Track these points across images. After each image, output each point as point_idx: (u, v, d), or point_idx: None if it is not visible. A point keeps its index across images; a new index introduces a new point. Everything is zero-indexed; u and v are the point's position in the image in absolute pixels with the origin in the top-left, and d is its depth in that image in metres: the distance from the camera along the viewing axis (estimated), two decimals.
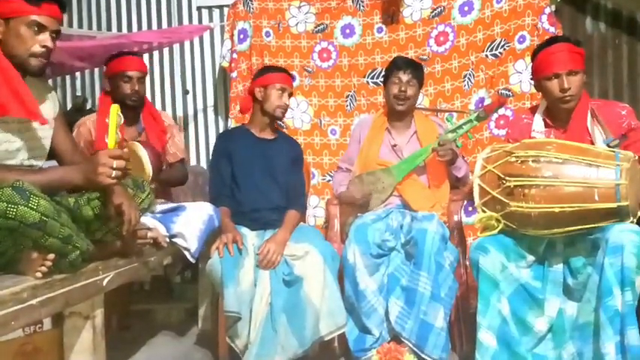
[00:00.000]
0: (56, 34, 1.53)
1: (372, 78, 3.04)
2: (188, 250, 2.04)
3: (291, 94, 2.35)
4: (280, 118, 2.34)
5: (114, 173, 1.37)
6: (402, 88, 2.31)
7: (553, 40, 1.98)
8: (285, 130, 2.97)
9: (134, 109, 2.40)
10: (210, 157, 2.39)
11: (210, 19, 3.55)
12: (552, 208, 1.61)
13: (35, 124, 1.55)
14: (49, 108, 1.65)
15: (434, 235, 2.00)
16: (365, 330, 2.06)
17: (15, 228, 1.26)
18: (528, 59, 2.72)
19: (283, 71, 2.35)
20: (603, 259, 1.56)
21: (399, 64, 2.36)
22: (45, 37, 1.48)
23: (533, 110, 2.05)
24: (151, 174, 2.12)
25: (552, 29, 2.71)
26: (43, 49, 1.49)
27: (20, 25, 1.46)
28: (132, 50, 3.10)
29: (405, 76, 2.32)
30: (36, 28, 1.47)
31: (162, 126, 2.52)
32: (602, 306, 1.55)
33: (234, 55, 3.08)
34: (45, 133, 1.62)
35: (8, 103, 1.43)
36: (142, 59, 2.54)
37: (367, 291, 2.04)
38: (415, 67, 2.37)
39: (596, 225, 1.62)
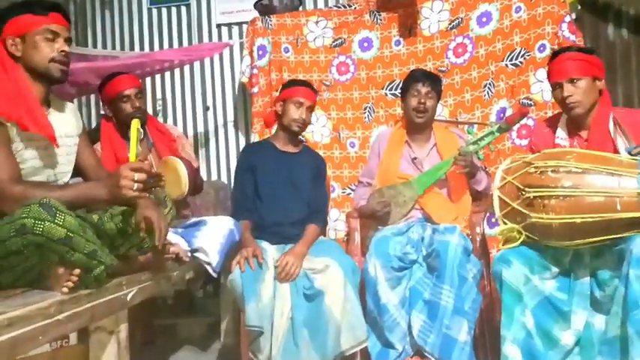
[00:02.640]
0: (69, 42, 1.59)
1: (391, 90, 3.05)
2: (210, 264, 2.06)
3: (311, 108, 2.34)
4: (297, 132, 2.34)
5: (135, 186, 1.39)
6: (422, 101, 2.30)
7: (560, 51, 2.00)
8: (304, 143, 2.99)
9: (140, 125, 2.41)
10: (235, 170, 2.40)
11: (230, 37, 3.62)
12: (573, 218, 1.58)
13: (60, 142, 1.59)
14: (72, 126, 1.69)
15: (456, 248, 1.97)
16: (388, 344, 2.04)
17: (42, 244, 1.29)
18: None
19: (304, 85, 2.36)
20: (628, 271, 1.52)
21: (417, 77, 2.36)
22: (60, 44, 1.55)
23: (555, 119, 2.05)
24: (187, 189, 2.16)
25: (573, 37, 2.68)
26: (62, 54, 1.55)
27: (35, 37, 1.52)
28: (154, 68, 3.18)
29: (423, 89, 2.31)
30: (50, 36, 1.53)
31: (170, 137, 2.54)
32: (629, 320, 1.50)
33: (254, 71, 3.12)
34: (70, 151, 1.66)
35: (28, 119, 1.47)
36: (134, 75, 2.52)
37: (389, 305, 2.02)
38: (433, 80, 2.37)
39: (619, 235, 1.58)
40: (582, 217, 1.57)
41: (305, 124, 2.32)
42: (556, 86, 1.92)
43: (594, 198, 1.58)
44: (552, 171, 1.64)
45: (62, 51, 1.54)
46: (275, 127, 2.43)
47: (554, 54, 1.99)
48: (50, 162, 1.58)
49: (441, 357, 1.93)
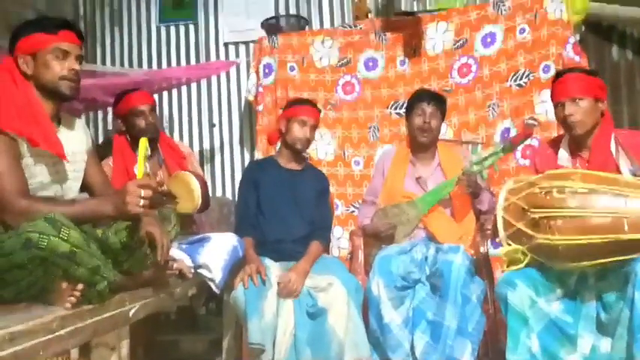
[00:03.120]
0: (80, 59, 1.60)
1: (395, 109, 3.07)
2: (213, 280, 2.06)
3: (315, 127, 2.36)
4: (300, 150, 2.35)
5: (142, 202, 1.40)
6: (426, 120, 2.31)
7: (563, 71, 2.02)
8: (308, 161, 3.00)
9: (152, 141, 2.44)
10: (238, 186, 2.42)
11: (237, 55, 3.66)
12: (580, 239, 1.56)
13: (69, 158, 1.61)
14: (82, 142, 1.71)
15: (460, 268, 1.96)
16: None
17: (46, 258, 1.29)
18: None
19: (308, 104, 2.38)
20: (634, 293, 1.50)
21: (422, 97, 2.37)
22: (71, 62, 1.56)
23: (558, 140, 2.06)
24: (199, 204, 2.17)
25: (577, 58, 2.70)
26: (72, 73, 1.56)
27: (46, 56, 1.54)
28: (161, 86, 3.22)
29: (428, 108, 2.32)
30: (60, 55, 1.55)
31: (180, 154, 2.56)
32: (635, 342, 1.48)
33: (260, 89, 3.16)
34: (77, 167, 1.68)
35: (38, 135, 1.49)
36: (148, 92, 2.57)
37: (392, 324, 2.01)
38: (438, 100, 2.38)
39: (627, 257, 1.56)
40: (589, 238, 1.56)
41: (308, 142, 2.34)
42: (558, 105, 1.93)
43: (601, 219, 1.57)
44: (558, 191, 1.63)
45: (72, 69, 1.56)
46: (279, 144, 2.44)
47: (558, 74, 2.01)
48: (58, 178, 1.60)
49: None
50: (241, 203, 2.32)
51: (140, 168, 1.48)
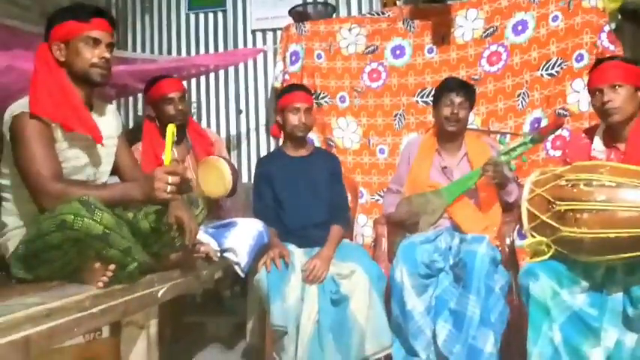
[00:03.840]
0: (111, 47, 1.64)
1: (422, 97, 3.04)
2: (238, 264, 2.10)
3: (309, 110, 2.32)
4: (302, 136, 2.34)
5: (169, 188, 1.44)
6: (454, 111, 2.28)
7: (603, 59, 1.98)
8: (334, 149, 3.01)
9: (181, 127, 2.48)
10: (253, 183, 2.43)
11: (264, 42, 3.68)
12: (607, 233, 1.54)
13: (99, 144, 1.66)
14: (113, 127, 1.76)
15: (483, 258, 1.95)
16: (411, 352, 2.03)
17: (80, 239, 1.34)
18: (587, 78, 2.63)
19: (296, 90, 2.36)
20: None
21: (450, 86, 2.33)
22: (101, 50, 1.60)
23: (592, 130, 2.01)
24: (230, 188, 2.21)
25: (612, 47, 2.62)
26: (102, 60, 1.60)
27: (77, 43, 1.58)
28: (190, 72, 3.27)
29: (457, 98, 2.28)
30: (91, 43, 1.59)
31: (208, 141, 2.60)
32: None
33: (286, 77, 3.17)
34: (109, 151, 1.73)
35: (72, 120, 1.54)
36: (179, 79, 2.61)
37: (414, 312, 2.02)
38: (467, 89, 2.34)
39: None
40: (616, 232, 1.53)
41: (307, 126, 2.32)
42: (596, 92, 1.88)
43: (629, 213, 1.54)
44: (585, 184, 1.60)
45: (102, 57, 1.60)
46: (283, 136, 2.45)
47: (597, 62, 1.97)
48: (91, 161, 1.65)
49: None
50: (258, 200, 2.34)
51: (167, 155, 1.51)
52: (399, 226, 2.34)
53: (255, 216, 2.31)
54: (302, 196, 2.29)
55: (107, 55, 1.61)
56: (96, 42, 1.59)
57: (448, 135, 2.36)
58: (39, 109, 1.49)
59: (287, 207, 2.29)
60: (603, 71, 1.87)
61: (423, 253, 2.07)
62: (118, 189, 1.55)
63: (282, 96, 2.37)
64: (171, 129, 1.54)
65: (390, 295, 2.10)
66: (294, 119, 2.29)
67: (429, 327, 2.02)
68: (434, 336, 2.01)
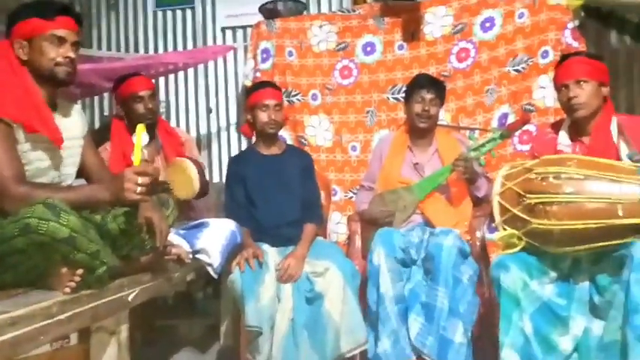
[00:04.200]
0: (76, 46, 1.59)
1: (393, 94, 3.06)
2: (211, 265, 2.07)
3: (279, 106, 2.30)
4: (273, 134, 2.33)
5: (139, 189, 1.41)
6: (425, 108, 2.31)
7: (569, 55, 2.03)
8: (306, 147, 3.00)
9: (150, 127, 2.44)
10: (225, 182, 2.40)
11: (234, 40, 3.64)
12: (575, 224, 1.58)
13: (64, 144, 1.60)
14: (78, 128, 1.71)
15: (450, 250, 1.98)
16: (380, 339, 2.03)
17: (46, 243, 1.30)
18: (552, 74, 2.69)
19: (264, 87, 2.34)
20: (629, 276, 1.52)
21: (421, 83, 2.36)
22: (66, 49, 1.55)
23: (557, 125, 2.06)
24: (197, 189, 2.17)
25: (576, 44, 2.69)
26: (67, 60, 1.55)
27: (41, 42, 1.52)
28: (158, 71, 3.21)
29: (428, 95, 2.31)
30: (56, 41, 1.54)
31: (178, 141, 2.56)
32: (628, 325, 1.51)
33: (257, 74, 3.14)
34: (74, 152, 1.68)
35: (36, 120, 1.49)
36: (148, 78, 2.57)
37: (386, 296, 2.01)
38: (438, 86, 2.37)
39: (620, 241, 1.58)
40: (584, 223, 1.58)
41: (277, 123, 2.30)
42: (562, 87, 1.92)
43: (596, 204, 1.59)
44: (554, 177, 1.64)
45: (67, 57, 1.55)
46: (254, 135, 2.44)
47: (563, 57, 2.01)
48: (55, 164, 1.60)
49: (439, 359, 1.94)
50: (230, 198, 2.31)
51: (137, 155, 1.47)
52: (373, 223, 2.35)
53: (227, 215, 2.29)
54: (275, 194, 2.27)
55: (72, 54, 1.56)
56: (61, 40, 1.54)
57: (419, 131, 2.38)
58: (1, 110, 1.44)
59: (260, 206, 2.27)
60: (569, 67, 1.91)
61: (399, 238, 2.09)
62: (85, 191, 1.50)
63: (250, 94, 2.35)
64: (140, 129, 1.51)
65: (364, 291, 2.11)
66: (263, 116, 2.27)
67: (395, 316, 2.01)
68: (407, 330, 2.02)
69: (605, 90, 1.92)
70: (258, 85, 2.42)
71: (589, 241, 1.61)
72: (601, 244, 1.60)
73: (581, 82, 1.88)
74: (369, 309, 2.07)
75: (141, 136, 1.50)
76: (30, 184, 1.47)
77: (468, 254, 2.08)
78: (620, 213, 1.56)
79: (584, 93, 1.87)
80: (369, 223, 2.38)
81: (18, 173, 1.44)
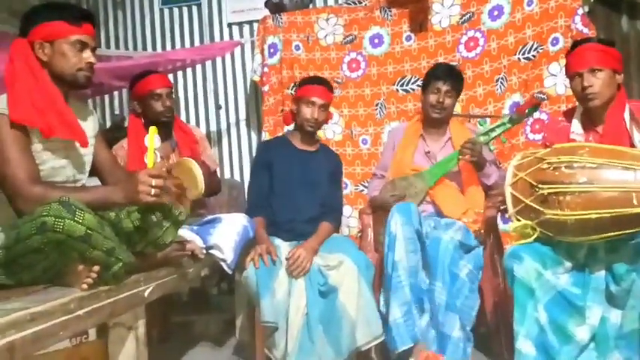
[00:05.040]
0: (95, 51, 1.62)
1: (402, 85, 3.04)
2: (224, 261, 2.08)
3: (325, 107, 2.29)
4: (310, 132, 2.32)
5: (153, 191, 1.43)
6: (440, 99, 2.29)
7: (580, 41, 1.97)
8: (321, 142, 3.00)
9: (167, 125, 2.46)
10: (251, 165, 2.41)
11: (241, 35, 3.64)
12: (589, 214, 1.55)
13: (77, 143, 1.62)
14: (90, 128, 1.72)
15: (448, 244, 1.97)
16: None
17: (62, 241, 1.31)
18: (563, 61, 2.66)
19: (317, 83, 2.31)
20: None
21: (438, 74, 2.33)
22: (88, 54, 1.58)
23: (570, 113, 2.03)
24: (203, 189, 2.18)
25: (586, 30, 2.66)
26: (88, 65, 1.58)
27: (64, 45, 1.54)
28: (166, 68, 3.22)
29: (444, 87, 2.29)
30: (79, 46, 1.56)
31: (193, 139, 2.57)
32: None
33: (265, 69, 3.14)
34: (87, 151, 1.69)
35: (55, 125, 1.50)
36: (166, 75, 2.59)
37: (399, 265, 1.98)
38: (455, 78, 2.34)
39: (636, 230, 1.56)
40: (598, 213, 1.55)
41: (317, 123, 2.30)
42: (575, 76, 1.88)
43: (610, 193, 1.56)
44: (566, 167, 1.61)
45: (89, 62, 1.57)
46: (293, 124, 2.43)
47: (574, 44, 1.95)
48: (68, 163, 1.61)
49: (439, 352, 1.94)
50: (254, 183, 2.32)
51: (150, 157, 1.48)
52: (383, 209, 2.34)
53: (247, 198, 2.30)
54: (297, 189, 2.26)
55: (93, 59, 1.59)
56: (83, 46, 1.56)
57: (433, 121, 2.37)
58: (19, 115, 1.45)
59: (280, 197, 2.27)
60: (582, 55, 1.87)
61: (416, 210, 2.08)
62: (100, 192, 1.51)
63: (301, 86, 2.33)
64: (153, 131, 1.51)
65: (378, 284, 2.11)
66: (306, 112, 2.26)
67: (409, 288, 1.98)
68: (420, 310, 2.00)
69: (619, 77, 1.88)
70: (311, 80, 2.37)
71: (603, 231, 1.58)
72: (615, 233, 1.57)
73: (596, 71, 1.83)
74: (385, 277, 2.05)
75: (154, 138, 1.50)
76: (44, 184, 1.49)
77: (472, 247, 2.06)
78: (635, 201, 1.52)
79: (599, 82, 1.83)
80: (381, 209, 2.37)
81: (33, 174, 1.46)
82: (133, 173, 1.49)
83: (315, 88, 2.28)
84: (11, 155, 1.43)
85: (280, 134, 2.73)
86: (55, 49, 1.54)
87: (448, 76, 2.32)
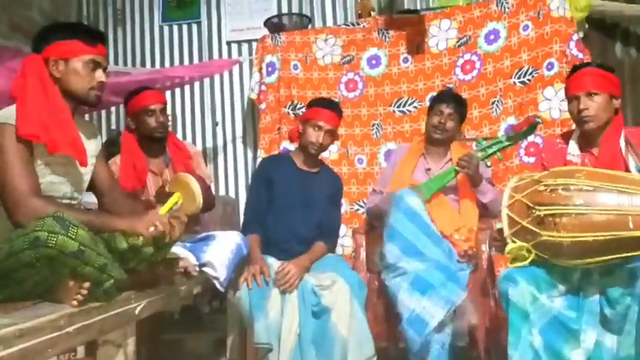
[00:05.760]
0: (105, 70, 1.65)
1: (399, 107, 3.07)
2: (217, 279, 2.06)
3: (331, 132, 2.27)
4: (313, 155, 2.30)
5: (152, 229, 1.49)
6: (442, 121, 2.37)
7: (580, 65, 2.01)
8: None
9: (160, 140, 2.46)
10: (251, 180, 2.41)
11: (240, 54, 3.67)
12: (585, 236, 1.56)
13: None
14: (93, 147, 1.73)
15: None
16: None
17: (55, 256, 1.30)
18: (557, 86, 2.70)
19: (326, 107, 2.28)
20: None
21: (442, 97, 2.45)
22: (100, 74, 1.61)
23: (567, 135, 2.05)
24: (201, 205, 2.17)
25: (581, 55, 2.70)
26: (100, 84, 1.61)
27: (78, 64, 1.56)
28: (164, 85, 3.23)
29: (447, 109, 2.38)
30: (92, 66, 1.58)
31: (187, 154, 2.57)
32: None
33: (263, 88, 3.16)
34: (86, 170, 1.70)
35: (59, 141, 1.51)
36: (160, 91, 2.60)
37: (391, 253, 2.07)
38: (458, 103, 2.44)
39: (631, 254, 1.56)
40: (594, 236, 1.55)
41: (322, 147, 2.28)
42: (573, 99, 1.91)
43: (606, 216, 1.56)
44: (563, 189, 1.62)
45: (101, 81, 1.60)
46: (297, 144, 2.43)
47: (575, 68, 2.00)
48: (68, 179, 1.61)
49: None
50: (252, 198, 2.31)
51: (165, 207, 1.58)
52: (381, 220, 2.33)
53: (245, 212, 2.31)
54: (295, 209, 2.25)
55: (105, 79, 1.62)
56: (96, 65, 1.60)
57: (434, 141, 2.43)
58: (26, 130, 1.46)
59: (276, 215, 2.25)
60: (580, 79, 1.90)
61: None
62: (101, 217, 1.54)
63: (310, 108, 2.32)
64: (176, 198, 1.64)
65: (371, 303, 2.10)
66: (312, 135, 2.24)
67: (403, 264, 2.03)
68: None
69: (617, 102, 1.90)
70: (322, 103, 2.32)
71: (599, 254, 1.59)
72: (611, 256, 1.58)
73: (593, 95, 1.86)
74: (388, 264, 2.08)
75: (176, 202, 1.61)
76: (46, 198, 1.49)
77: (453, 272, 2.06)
78: (631, 225, 1.53)
79: (595, 105, 1.86)
80: (378, 219, 2.37)
81: (34, 187, 1.46)
82: (145, 212, 1.58)
83: (325, 112, 2.25)
84: (15, 166, 1.44)
85: (282, 152, 2.73)
86: (69, 67, 1.56)
87: (451, 100, 2.41)
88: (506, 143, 2.23)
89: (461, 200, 2.33)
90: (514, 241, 1.73)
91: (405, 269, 1.99)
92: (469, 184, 2.29)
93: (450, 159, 2.41)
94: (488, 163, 2.28)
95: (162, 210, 1.56)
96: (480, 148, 2.25)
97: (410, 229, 2.08)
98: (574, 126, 2.02)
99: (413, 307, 1.92)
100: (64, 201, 1.60)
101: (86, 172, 1.69)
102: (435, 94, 2.70)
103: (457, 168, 2.24)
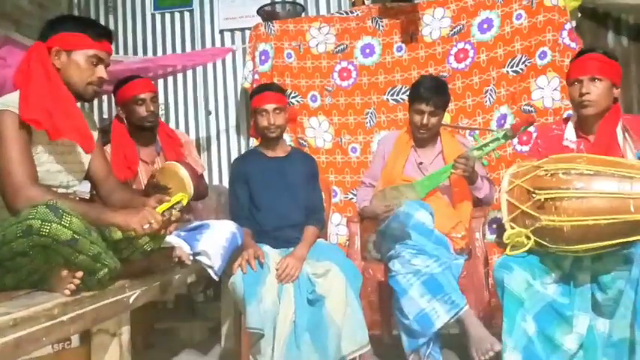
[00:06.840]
0: (106, 67, 1.65)
1: (392, 95, 3.07)
2: (212, 267, 2.06)
3: (279, 109, 2.25)
4: (274, 138, 2.29)
5: (146, 226, 1.47)
6: (424, 121, 2.27)
7: (586, 50, 2.01)
8: (306, 148, 3.01)
9: (151, 129, 2.45)
10: (228, 182, 2.41)
11: (233, 42, 3.64)
12: (586, 220, 1.55)
13: (78, 149, 1.61)
14: (95, 137, 1.72)
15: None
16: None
17: (48, 245, 1.29)
18: (550, 75, 2.71)
19: (265, 90, 2.30)
20: (639, 275, 1.51)
21: (421, 94, 2.26)
22: (101, 70, 1.61)
23: (562, 122, 2.05)
24: (192, 193, 2.17)
25: (573, 45, 2.71)
26: (99, 80, 1.61)
27: (81, 58, 1.57)
28: (157, 73, 3.21)
29: (427, 108, 2.25)
30: (94, 61, 1.59)
31: (178, 142, 2.56)
32: (638, 323, 1.50)
33: (256, 76, 3.14)
34: (85, 158, 1.69)
35: (63, 127, 1.51)
36: (150, 80, 2.58)
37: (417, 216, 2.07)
38: (438, 95, 2.27)
39: (631, 239, 1.55)
40: (595, 219, 1.54)
41: (278, 127, 2.26)
42: (575, 82, 1.91)
43: (607, 200, 1.55)
44: (563, 173, 1.62)
45: (100, 77, 1.60)
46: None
47: (580, 52, 1.99)
48: (65, 168, 1.61)
49: None
50: (234, 199, 2.31)
51: (164, 207, 1.55)
52: (373, 219, 2.34)
53: (231, 215, 2.29)
54: (277, 196, 2.26)
55: (105, 75, 1.62)
56: (99, 61, 1.60)
57: (421, 139, 2.38)
58: (29, 115, 1.45)
59: (262, 207, 2.26)
60: (584, 63, 1.90)
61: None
62: (96, 209, 1.53)
63: (252, 97, 2.34)
64: (179, 197, 1.60)
65: (365, 292, 2.11)
66: (262, 121, 2.26)
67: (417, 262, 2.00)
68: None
69: (616, 91, 1.91)
70: (258, 89, 2.37)
71: (600, 239, 1.57)
72: (612, 241, 1.56)
73: (595, 80, 1.87)
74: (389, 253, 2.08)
75: (178, 201, 1.58)
76: (43, 187, 1.48)
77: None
78: (632, 209, 1.52)
79: (597, 91, 1.86)
80: (371, 219, 2.37)
81: (32, 175, 1.46)
82: (141, 206, 1.54)
83: (264, 95, 2.26)
84: (13, 153, 1.43)
85: (252, 147, 2.72)
86: (71, 59, 1.57)
87: (431, 95, 2.25)
88: (503, 141, 2.20)
89: (456, 197, 2.32)
90: (513, 227, 1.71)
91: (419, 268, 1.99)
92: (464, 180, 2.27)
93: (441, 150, 2.38)
94: (485, 162, 2.26)
95: (160, 208, 1.54)
96: (475, 147, 2.21)
97: (421, 240, 2.05)
98: (565, 115, 2.02)
99: (423, 306, 1.93)
100: (60, 190, 1.59)
101: (84, 161, 1.69)
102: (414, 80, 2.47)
103: (453, 170, 2.20)
